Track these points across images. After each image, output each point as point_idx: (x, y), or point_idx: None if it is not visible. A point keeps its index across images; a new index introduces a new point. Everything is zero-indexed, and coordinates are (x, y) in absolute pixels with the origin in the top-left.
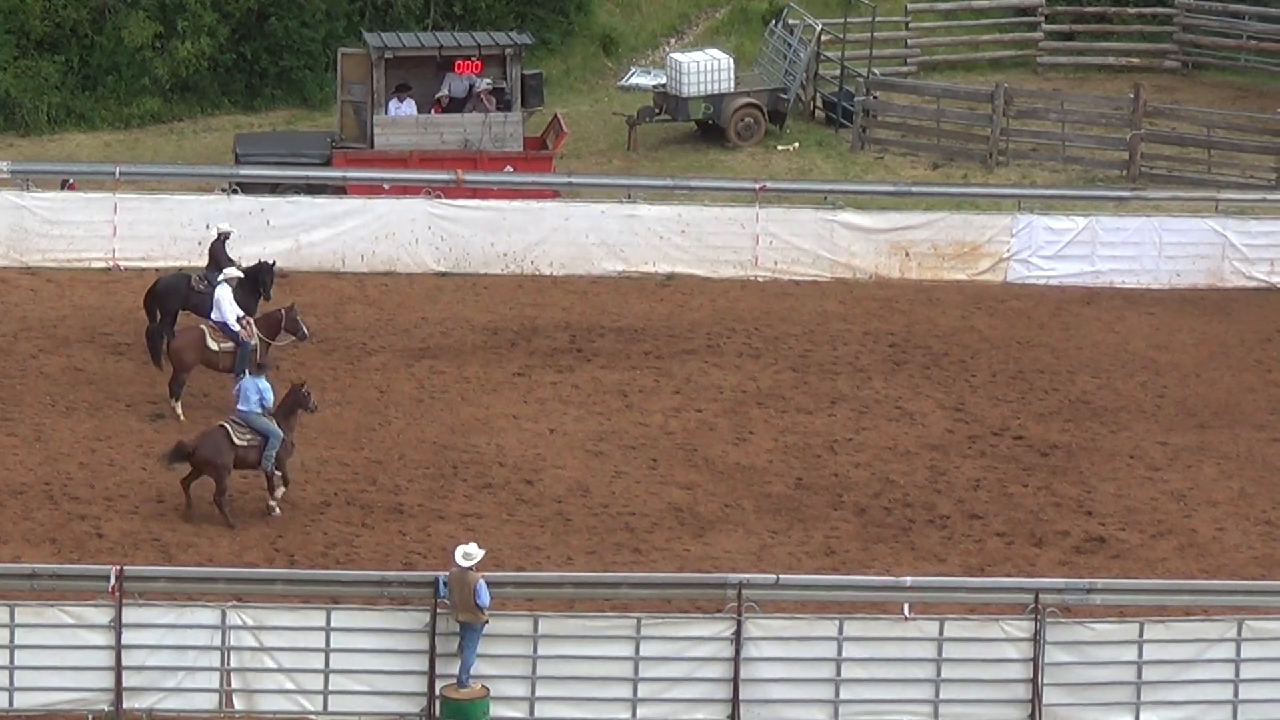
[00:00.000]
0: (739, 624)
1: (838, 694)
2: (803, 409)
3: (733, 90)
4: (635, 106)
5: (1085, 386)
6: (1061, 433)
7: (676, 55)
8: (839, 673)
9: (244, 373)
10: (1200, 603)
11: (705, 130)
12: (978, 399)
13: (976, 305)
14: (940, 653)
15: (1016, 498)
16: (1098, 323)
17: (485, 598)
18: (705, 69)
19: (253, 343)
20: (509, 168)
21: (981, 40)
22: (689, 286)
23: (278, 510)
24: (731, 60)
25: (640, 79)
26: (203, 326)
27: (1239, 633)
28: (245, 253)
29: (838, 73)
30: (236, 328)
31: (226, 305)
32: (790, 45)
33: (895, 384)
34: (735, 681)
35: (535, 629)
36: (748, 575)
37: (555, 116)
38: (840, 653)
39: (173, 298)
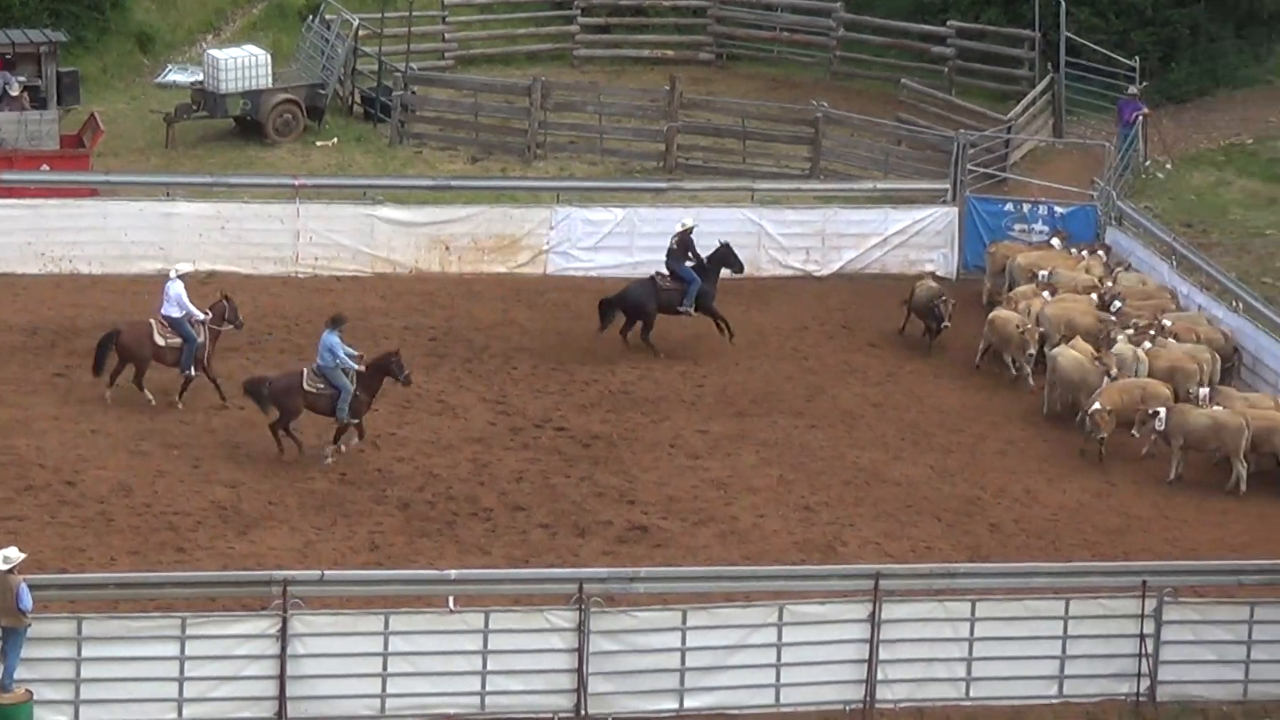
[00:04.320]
0: (284, 621)
1: (385, 688)
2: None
3: (271, 86)
4: (173, 104)
5: (626, 377)
6: (603, 423)
7: (214, 52)
8: (386, 667)
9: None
10: (742, 588)
11: (244, 127)
12: (519, 391)
13: (517, 298)
14: (486, 644)
15: (559, 489)
16: None
17: (27, 601)
18: (243, 65)
19: (201, 339)
20: (45, 166)
21: (518, 34)
22: (230, 284)
23: (330, 460)
24: (269, 56)
25: (178, 76)
26: (150, 321)
27: (780, 618)
28: None
29: (376, 68)
30: (201, 316)
31: (186, 300)
32: (328, 41)
33: (437, 378)
34: (281, 679)
35: (79, 631)
36: (292, 572)
37: (92, 114)
38: (386, 647)
39: (648, 302)
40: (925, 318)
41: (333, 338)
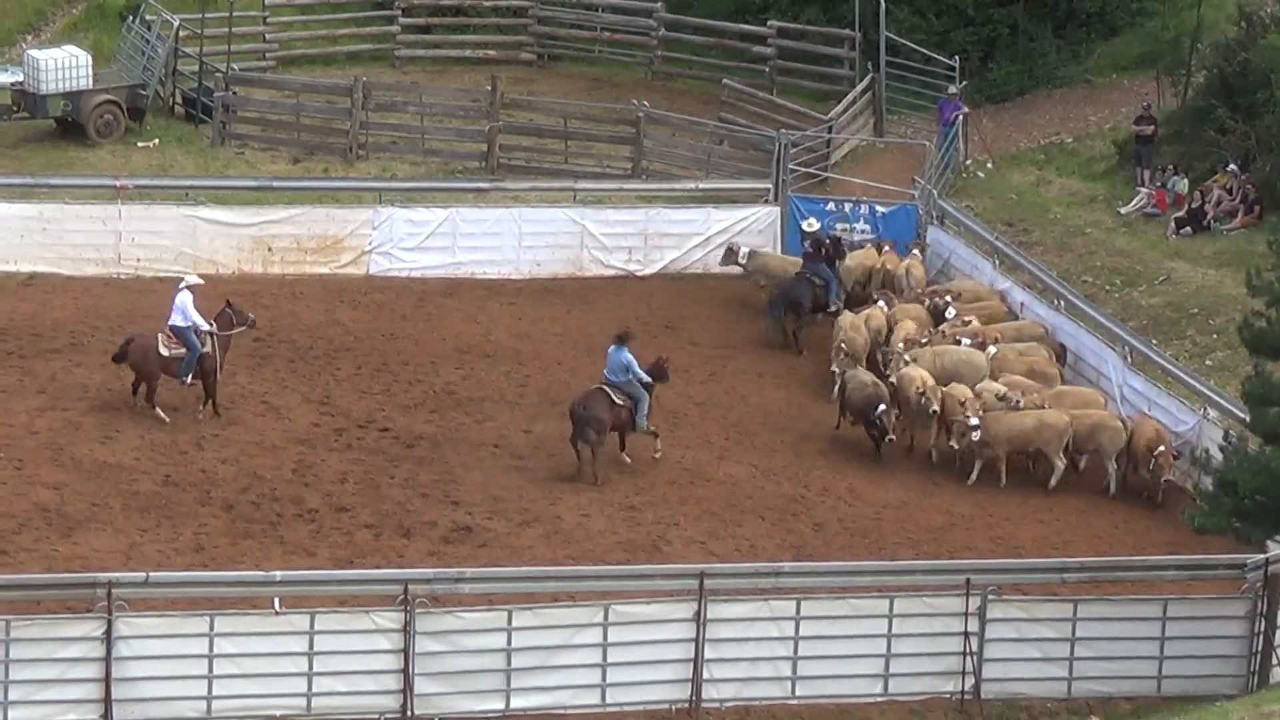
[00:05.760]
0: (109, 623)
1: (211, 690)
2: (168, 405)
3: (91, 87)
4: None
5: (449, 377)
6: (427, 424)
7: (34, 52)
8: (212, 669)
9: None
10: (567, 588)
11: (65, 127)
12: (343, 392)
13: (340, 299)
14: (312, 646)
15: (384, 489)
16: (460, 314)
17: None
18: (63, 66)
19: (204, 348)
20: None
21: (340, 34)
22: (51, 285)
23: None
24: (89, 57)
25: None
26: (158, 334)
27: (605, 617)
28: None
29: (197, 68)
30: (206, 327)
31: (191, 310)
32: (148, 41)
33: (261, 379)
34: (107, 681)
35: None
36: (117, 574)
37: None
38: (212, 649)
39: (804, 300)
40: (866, 426)
41: (627, 355)
